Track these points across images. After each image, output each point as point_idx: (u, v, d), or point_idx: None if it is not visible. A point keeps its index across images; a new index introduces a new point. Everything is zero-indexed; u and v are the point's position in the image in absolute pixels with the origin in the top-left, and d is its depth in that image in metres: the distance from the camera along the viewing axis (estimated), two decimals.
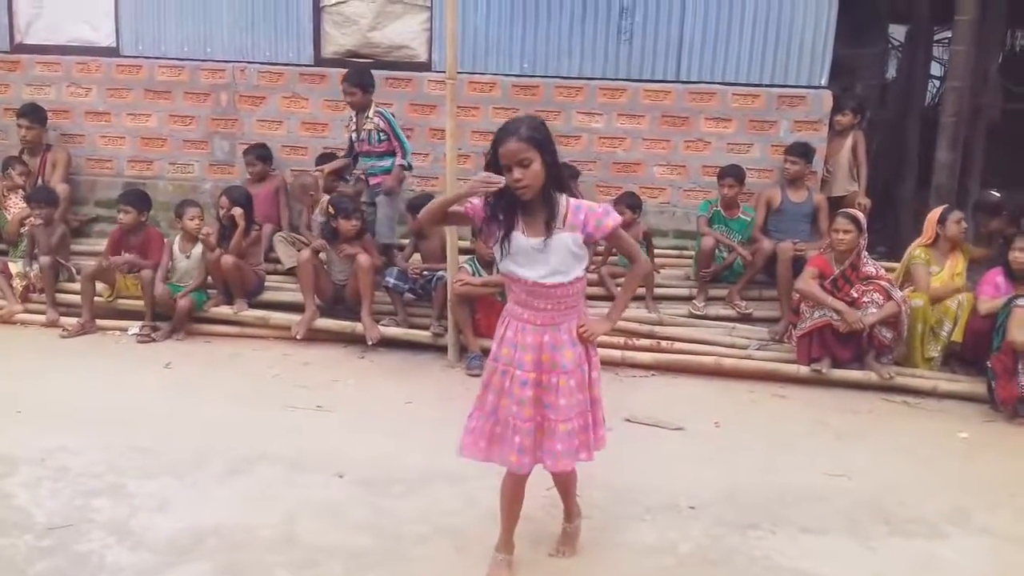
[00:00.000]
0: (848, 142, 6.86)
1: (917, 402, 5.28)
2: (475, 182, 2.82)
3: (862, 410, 5.13)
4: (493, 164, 2.87)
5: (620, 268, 6.39)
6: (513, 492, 3.17)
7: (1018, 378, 5.01)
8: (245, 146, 7.10)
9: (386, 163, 6.24)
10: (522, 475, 3.10)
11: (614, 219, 2.97)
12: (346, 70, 6.39)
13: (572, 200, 2.95)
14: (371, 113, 6.20)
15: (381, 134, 6.20)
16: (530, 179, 2.82)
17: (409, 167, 6.29)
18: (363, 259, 5.75)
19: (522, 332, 3.00)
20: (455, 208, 3.02)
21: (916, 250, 5.80)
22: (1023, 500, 4.02)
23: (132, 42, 7.30)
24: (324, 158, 6.81)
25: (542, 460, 3.05)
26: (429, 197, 6.14)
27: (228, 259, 5.97)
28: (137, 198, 6.25)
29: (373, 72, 6.51)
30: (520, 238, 2.91)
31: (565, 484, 3.31)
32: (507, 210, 2.91)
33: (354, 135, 6.32)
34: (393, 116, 6.30)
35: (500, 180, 2.80)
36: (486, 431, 3.07)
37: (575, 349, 3.02)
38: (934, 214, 5.84)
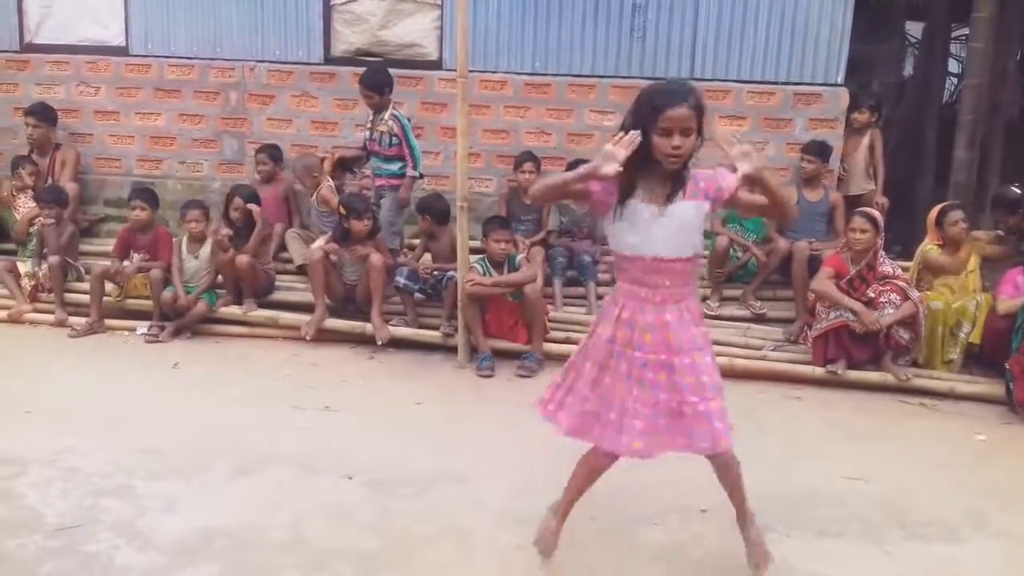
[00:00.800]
0: (865, 140, 6.79)
1: (934, 404, 5.22)
2: (607, 153, 2.63)
3: (879, 412, 5.07)
4: (642, 124, 2.68)
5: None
6: (598, 470, 3.06)
7: None
8: (255, 145, 7.07)
9: (393, 167, 6.20)
10: (613, 459, 2.98)
11: (732, 178, 2.79)
12: (362, 72, 6.31)
13: (699, 173, 2.83)
14: (387, 116, 6.13)
15: (393, 138, 6.13)
16: (688, 148, 2.68)
17: (420, 176, 6.24)
18: (376, 259, 5.72)
19: (641, 312, 2.85)
20: (579, 187, 2.85)
21: (927, 246, 5.72)
22: None
23: (142, 41, 7.29)
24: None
25: (694, 447, 2.86)
26: (439, 197, 6.13)
27: (243, 259, 5.97)
28: (150, 195, 6.25)
29: None
30: (640, 207, 2.78)
31: (732, 479, 3.05)
32: (629, 177, 2.74)
33: (367, 133, 6.28)
34: (409, 121, 6.22)
35: (637, 137, 2.64)
36: (600, 416, 2.92)
37: (700, 328, 2.90)
38: (932, 214, 5.75)
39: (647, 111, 2.69)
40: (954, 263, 5.62)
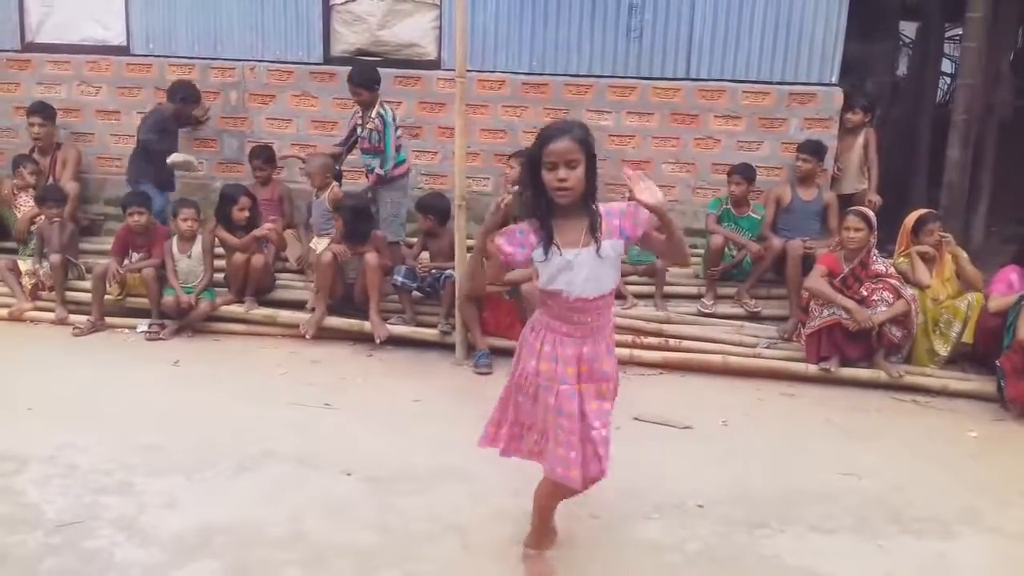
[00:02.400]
0: (859, 140, 6.83)
1: (927, 401, 5.26)
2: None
3: (871, 409, 5.11)
4: (533, 163, 2.80)
5: (629, 266, 6.37)
6: (554, 505, 3.18)
7: None
8: (254, 144, 7.10)
9: (377, 163, 6.28)
10: (571, 492, 3.03)
11: (645, 214, 2.84)
12: (350, 69, 6.37)
13: (601, 206, 2.87)
14: (374, 113, 6.19)
15: (376, 134, 6.20)
16: (574, 182, 2.75)
17: (384, 176, 6.23)
18: (371, 257, 5.76)
19: (561, 345, 2.92)
20: (488, 254, 2.94)
21: (899, 259, 5.75)
22: None
23: (142, 41, 7.32)
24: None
25: (589, 469, 2.94)
26: (440, 196, 6.16)
27: (259, 259, 6.06)
28: (145, 199, 6.27)
29: (382, 70, 6.52)
30: (561, 253, 2.83)
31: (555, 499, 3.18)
32: (543, 221, 2.83)
33: (359, 129, 6.33)
34: (394, 119, 6.24)
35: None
36: (527, 443, 3.07)
37: (611, 357, 3.00)
38: (908, 221, 5.77)
39: (535, 149, 2.79)
40: (921, 274, 5.61)
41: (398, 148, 6.32)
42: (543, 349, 2.96)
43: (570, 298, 2.87)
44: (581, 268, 2.83)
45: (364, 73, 6.25)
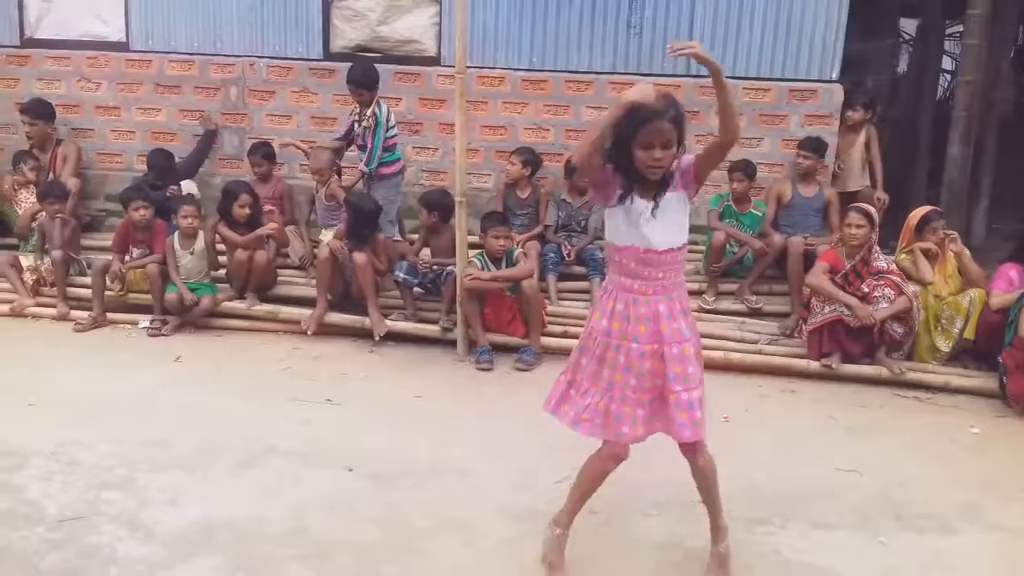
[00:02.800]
0: (861, 137, 6.83)
1: (929, 397, 5.26)
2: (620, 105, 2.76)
3: (873, 405, 5.11)
4: (625, 138, 2.80)
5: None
6: (603, 472, 3.10)
7: None
8: (255, 140, 7.09)
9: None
10: (623, 455, 3.05)
11: (687, 156, 2.93)
12: (349, 69, 6.35)
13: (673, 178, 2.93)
14: (369, 111, 6.20)
15: (367, 131, 6.23)
16: (668, 161, 2.82)
17: (368, 173, 6.26)
18: (359, 257, 5.75)
19: (634, 304, 2.95)
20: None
21: (900, 255, 5.75)
22: None
23: (142, 37, 7.31)
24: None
25: (678, 434, 2.95)
26: (444, 192, 6.15)
27: (262, 255, 6.07)
28: (146, 193, 6.27)
29: (382, 67, 6.51)
30: (636, 202, 2.90)
31: (709, 482, 3.13)
32: (626, 177, 2.90)
33: (356, 126, 6.34)
34: (388, 118, 6.24)
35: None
36: (601, 408, 2.99)
37: (688, 318, 3.01)
38: (914, 217, 5.76)
39: (629, 125, 2.78)
40: (924, 271, 5.61)
41: (392, 147, 6.33)
42: (615, 307, 2.98)
43: (640, 249, 2.91)
44: (650, 220, 2.89)
45: (366, 73, 6.23)
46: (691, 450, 3.04)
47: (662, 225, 2.91)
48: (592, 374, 3.04)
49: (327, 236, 6.28)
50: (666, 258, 2.93)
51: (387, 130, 6.24)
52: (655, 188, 2.90)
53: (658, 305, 2.94)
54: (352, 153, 6.58)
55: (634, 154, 2.82)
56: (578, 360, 3.11)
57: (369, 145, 6.21)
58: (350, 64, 6.51)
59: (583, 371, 3.07)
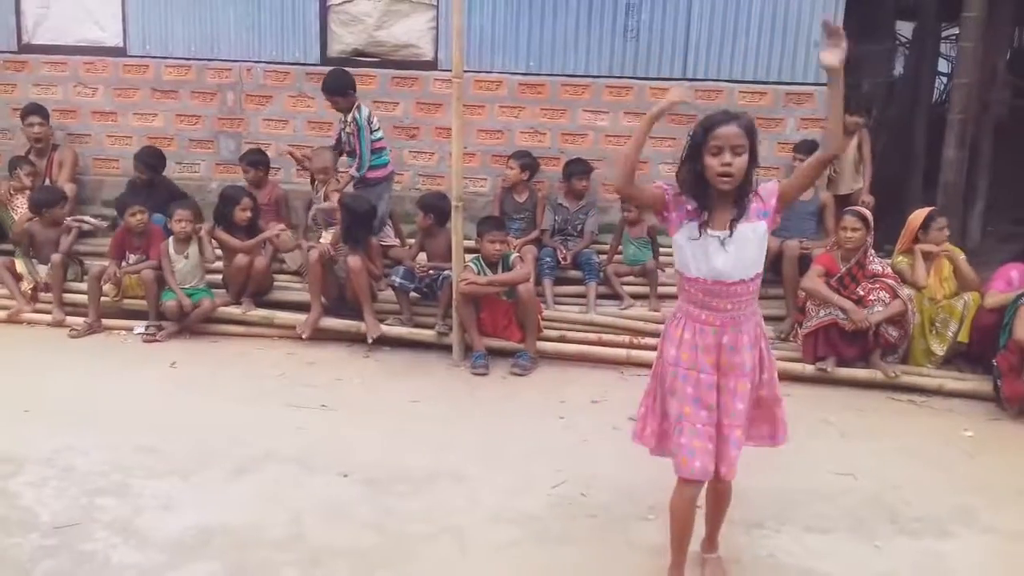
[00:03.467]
0: (854, 141, 6.84)
1: (923, 400, 5.26)
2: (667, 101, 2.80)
3: (868, 409, 5.12)
4: (696, 147, 2.79)
5: (625, 267, 6.40)
6: (692, 507, 3.03)
7: None
8: (252, 145, 7.10)
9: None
10: (701, 486, 3.01)
11: (771, 184, 2.88)
12: (324, 77, 6.38)
13: (754, 198, 2.86)
14: (350, 117, 6.25)
15: (352, 138, 6.27)
16: (738, 168, 2.74)
17: (359, 177, 6.28)
18: (352, 261, 5.75)
19: (701, 334, 2.91)
20: (648, 187, 2.95)
21: (897, 257, 5.76)
22: None
23: (139, 42, 7.31)
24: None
25: (717, 467, 2.94)
26: (442, 196, 6.14)
27: (262, 262, 6.09)
28: (144, 199, 6.27)
29: (379, 71, 6.52)
30: (706, 233, 2.83)
31: (721, 508, 3.21)
32: (701, 203, 2.84)
33: (343, 133, 6.40)
34: (369, 121, 6.26)
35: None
36: (687, 447, 2.92)
37: (753, 352, 2.94)
38: (916, 217, 5.76)
39: (699, 133, 2.78)
40: (918, 277, 5.61)
41: (380, 150, 6.35)
42: (683, 336, 2.95)
43: (708, 281, 2.87)
44: (719, 252, 2.82)
45: (336, 80, 6.28)
46: (718, 476, 3.00)
47: (735, 256, 2.83)
48: (658, 401, 3.06)
49: (328, 237, 6.27)
50: (736, 289, 2.87)
51: (371, 132, 6.26)
52: (728, 218, 2.83)
53: (723, 337, 2.90)
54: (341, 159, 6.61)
55: (704, 164, 2.77)
56: (654, 388, 3.09)
57: (356, 149, 6.24)
58: (347, 69, 6.52)
59: (658, 399, 3.07)
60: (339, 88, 6.22)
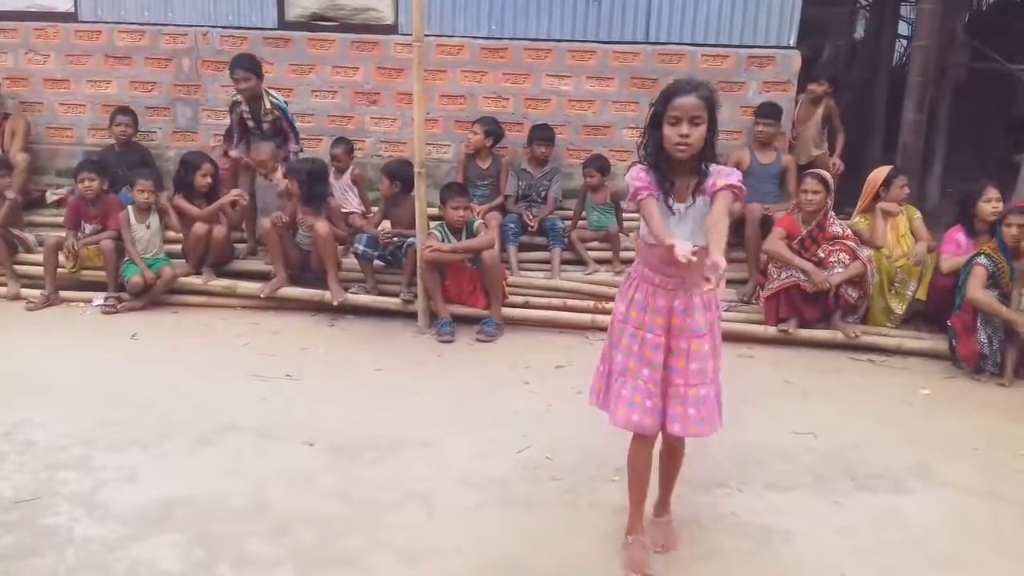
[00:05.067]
0: (820, 110, 6.86)
1: (882, 360, 5.37)
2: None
3: (828, 369, 5.20)
4: (657, 116, 2.82)
5: (589, 232, 6.41)
6: (645, 461, 3.11)
7: (977, 335, 5.09)
8: (209, 112, 6.96)
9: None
10: (650, 440, 3.06)
11: (728, 180, 2.82)
12: (235, 56, 6.31)
13: (712, 166, 2.87)
14: (268, 104, 6.21)
15: (277, 122, 6.23)
16: (695, 139, 2.77)
17: (300, 151, 6.36)
18: (321, 227, 5.71)
19: (652, 296, 2.96)
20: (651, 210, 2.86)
21: (856, 217, 5.84)
22: (983, 454, 4.11)
23: (91, 7, 7.11)
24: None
25: (668, 426, 2.98)
26: (405, 162, 6.09)
27: (221, 230, 5.99)
28: (98, 166, 6.14)
29: (339, 35, 6.41)
30: (668, 203, 2.87)
31: (674, 465, 3.24)
32: (662, 174, 2.87)
33: (250, 123, 6.30)
34: (286, 103, 6.36)
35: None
36: (620, 397, 3.00)
37: (706, 314, 2.97)
38: (878, 175, 5.84)
39: (660, 102, 2.82)
40: (877, 237, 5.71)
41: None
42: (634, 297, 3.00)
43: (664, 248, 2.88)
44: (685, 223, 2.87)
45: (252, 59, 6.26)
46: (667, 434, 3.05)
47: (691, 225, 2.87)
48: (603, 356, 3.12)
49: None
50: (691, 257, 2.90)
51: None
52: (687, 190, 2.86)
53: (675, 300, 2.93)
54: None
55: (663, 133, 2.80)
56: (608, 349, 3.13)
57: (288, 130, 6.28)
58: (305, 34, 6.41)
59: (612, 360, 3.08)
60: (254, 67, 6.18)
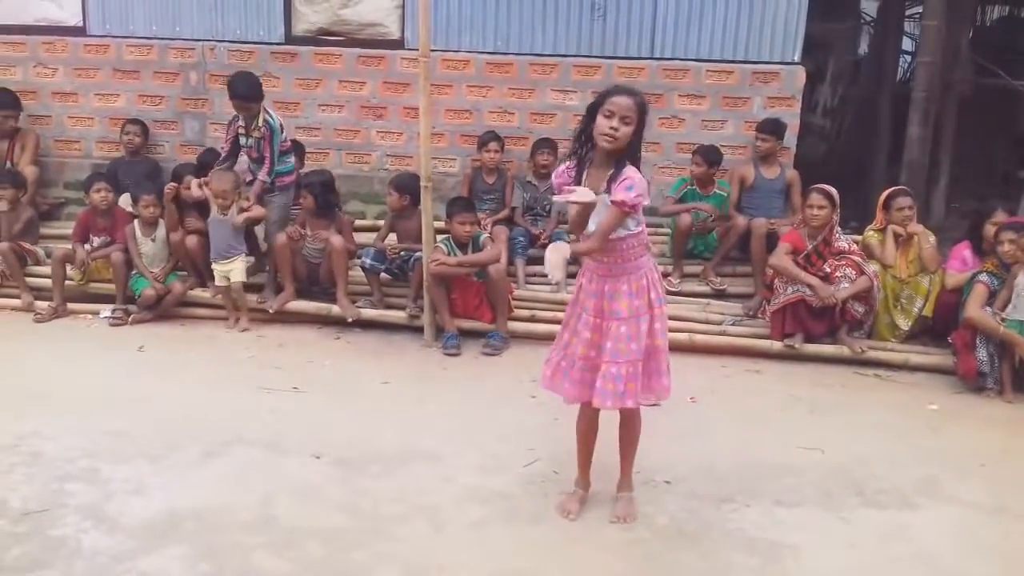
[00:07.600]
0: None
1: (888, 375, 5.36)
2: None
3: (835, 384, 5.19)
4: (594, 108, 3.14)
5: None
6: (587, 425, 3.54)
7: (977, 352, 5.08)
8: (216, 126, 6.99)
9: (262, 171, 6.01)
10: (589, 410, 3.46)
11: (625, 195, 3.07)
12: (230, 83, 5.99)
13: (631, 170, 3.13)
14: (260, 121, 5.88)
15: (261, 143, 5.90)
16: (623, 134, 3.08)
17: (271, 184, 5.96)
18: (336, 241, 5.72)
19: (590, 281, 3.33)
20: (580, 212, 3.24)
21: (868, 232, 5.84)
22: (991, 469, 4.10)
23: (99, 21, 7.16)
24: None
25: (598, 400, 3.29)
26: (414, 175, 6.07)
27: (192, 239, 5.95)
28: (111, 178, 6.17)
29: (345, 50, 6.42)
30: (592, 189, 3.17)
31: (627, 439, 3.53)
32: (580, 164, 3.25)
33: (243, 139, 5.99)
34: (282, 127, 5.97)
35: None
36: (553, 363, 3.47)
37: (632, 300, 3.26)
38: (882, 197, 5.85)
39: (599, 97, 3.15)
40: (888, 254, 5.68)
41: (286, 153, 6.05)
42: (582, 282, 3.39)
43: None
44: (599, 211, 3.17)
45: (251, 86, 5.91)
46: (587, 404, 3.42)
47: (600, 217, 3.18)
48: (564, 342, 3.46)
49: (225, 268, 5.88)
50: (611, 245, 3.20)
51: (282, 137, 5.97)
52: (604, 181, 3.15)
53: (605, 284, 3.28)
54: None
55: (596, 123, 3.10)
56: (560, 332, 3.53)
57: (267, 155, 5.88)
58: (312, 48, 6.41)
59: (561, 341, 3.50)
60: (254, 94, 5.89)
